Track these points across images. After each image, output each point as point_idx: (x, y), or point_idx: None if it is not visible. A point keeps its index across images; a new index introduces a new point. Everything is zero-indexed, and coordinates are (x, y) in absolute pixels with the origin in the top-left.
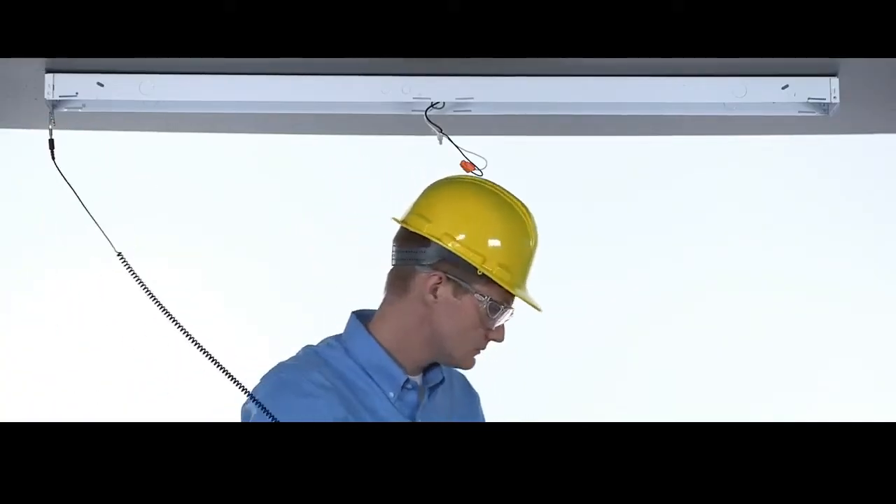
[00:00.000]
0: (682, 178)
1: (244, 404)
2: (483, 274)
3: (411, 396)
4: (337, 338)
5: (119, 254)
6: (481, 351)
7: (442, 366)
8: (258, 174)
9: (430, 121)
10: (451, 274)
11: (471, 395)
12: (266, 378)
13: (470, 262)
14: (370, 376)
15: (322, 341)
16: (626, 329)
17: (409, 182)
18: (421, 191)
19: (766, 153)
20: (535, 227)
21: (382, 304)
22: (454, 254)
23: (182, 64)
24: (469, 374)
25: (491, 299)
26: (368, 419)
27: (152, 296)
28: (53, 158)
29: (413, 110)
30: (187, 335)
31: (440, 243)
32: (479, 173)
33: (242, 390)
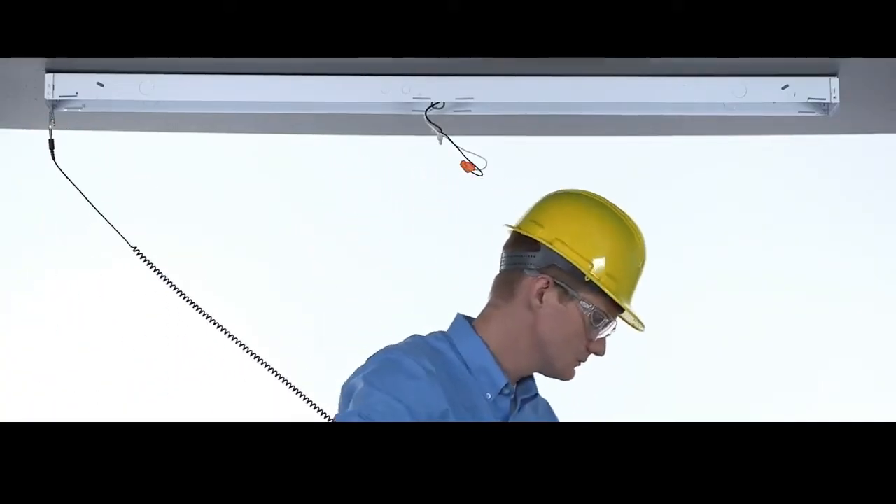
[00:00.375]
0: (682, 178)
1: (348, 380)
2: (590, 281)
3: (505, 403)
4: (443, 333)
5: (137, 250)
6: (581, 364)
7: (534, 383)
8: (258, 174)
9: (430, 121)
10: (558, 279)
11: (552, 420)
12: (374, 358)
13: (579, 267)
14: (471, 373)
15: (429, 334)
16: (625, 328)
17: (410, 182)
18: (535, 200)
19: (766, 153)
20: (644, 247)
21: (487, 307)
22: (564, 258)
23: (182, 64)
24: None
25: (596, 308)
26: (467, 415)
27: (185, 296)
28: (54, 158)
29: (413, 110)
30: (231, 336)
31: (551, 247)
32: (479, 173)
33: (287, 384)
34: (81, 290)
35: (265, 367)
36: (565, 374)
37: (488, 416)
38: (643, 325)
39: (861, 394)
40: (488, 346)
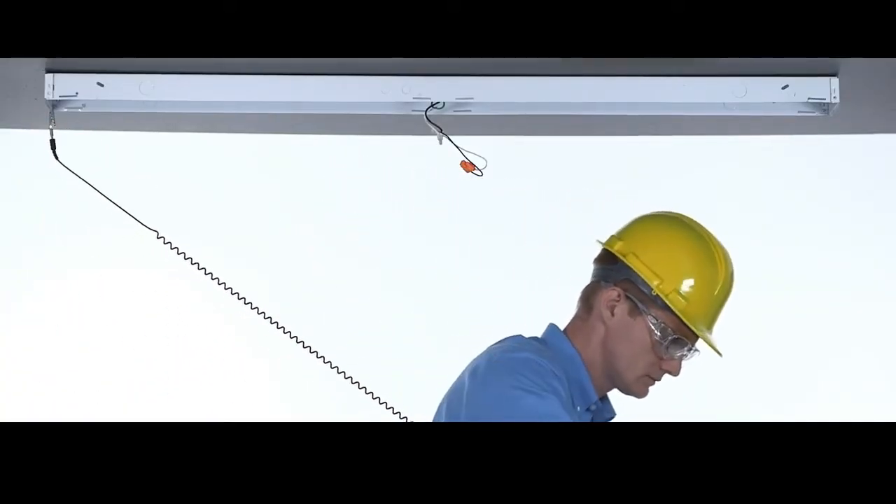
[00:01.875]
0: (682, 178)
1: (478, 359)
2: (659, 298)
3: (586, 418)
4: (539, 340)
5: (164, 237)
6: (656, 382)
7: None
8: (258, 174)
9: (430, 121)
10: (629, 292)
11: None
12: (508, 348)
13: (647, 280)
14: (567, 383)
15: (530, 338)
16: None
17: (410, 182)
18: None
19: (766, 153)
20: (728, 275)
21: (573, 319)
22: (634, 271)
23: (182, 64)
24: None
25: (663, 324)
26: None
27: (219, 280)
28: (57, 158)
29: (413, 110)
30: (286, 332)
31: (623, 259)
32: (479, 173)
33: (346, 376)
34: (82, 290)
35: (324, 361)
36: (636, 390)
37: None
38: (721, 354)
39: (861, 394)
40: (582, 358)
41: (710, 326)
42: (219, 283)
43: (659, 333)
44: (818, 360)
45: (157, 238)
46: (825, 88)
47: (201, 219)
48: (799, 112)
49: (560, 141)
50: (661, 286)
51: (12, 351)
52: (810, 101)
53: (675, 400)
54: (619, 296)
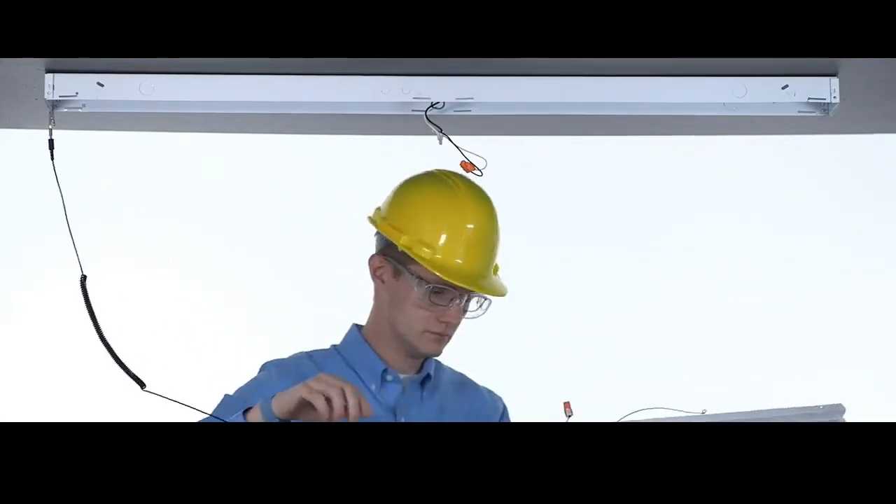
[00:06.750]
0: (682, 178)
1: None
2: (405, 252)
3: (392, 388)
4: (335, 346)
5: (84, 279)
6: (445, 336)
7: (430, 364)
8: (258, 174)
9: (430, 121)
10: (389, 255)
11: (469, 398)
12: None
13: (391, 238)
14: (355, 371)
15: (317, 350)
16: (624, 328)
17: None
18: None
19: (766, 153)
20: (477, 210)
21: None
22: (382, 234)
23: (182, 64)
24: (470, 374)
25: (419, 277)
26: None
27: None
28: (52, 159)
29: (413, 110)
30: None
31: (374, 225)
32: (479, 173)
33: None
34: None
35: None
36: (424, 347)
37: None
38: (497, 293)
39: (861, 394)
40: (366, 339)
41: (478, 270)
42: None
43: (416, 287)
44: (818, 360)
45: (82, 281)
46: (825, 88)
47: (202, 219)
48: (799, 112)
49: (560, 141)
50: (405, 241)
51: (12, 351)
52: (810, 101)
53: (674, 399)
54: (381, 262)
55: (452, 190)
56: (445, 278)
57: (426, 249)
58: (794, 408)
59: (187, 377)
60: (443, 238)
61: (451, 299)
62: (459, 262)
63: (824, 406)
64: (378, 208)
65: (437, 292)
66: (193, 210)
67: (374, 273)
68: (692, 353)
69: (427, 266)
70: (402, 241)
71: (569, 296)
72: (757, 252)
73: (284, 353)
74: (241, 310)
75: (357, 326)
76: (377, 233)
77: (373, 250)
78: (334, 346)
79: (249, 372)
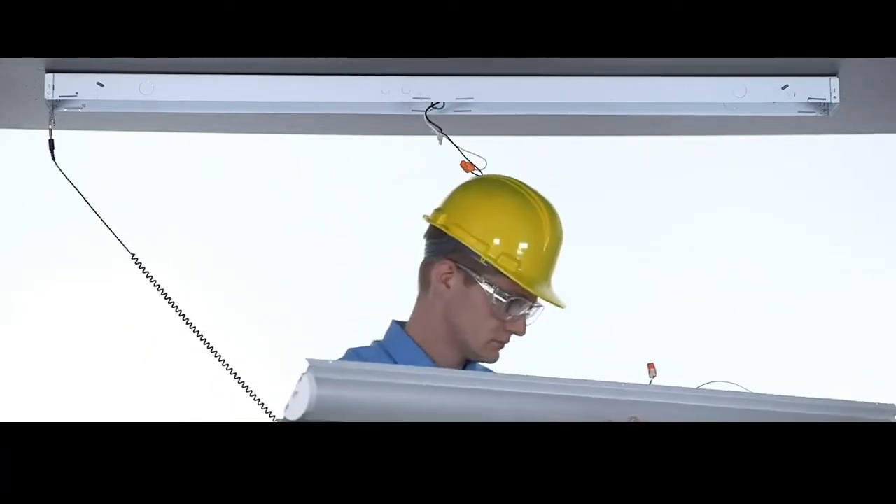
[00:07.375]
0: (682, 179)
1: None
2: (489, 263)
3: None
4: (378, 342)
5: (133, 256)
6: (505, 344)
7: (473, 366)
8: (258, 174)
9: (430, 121)
10: (461, 263)
11: None
12: None
13: (472, 248)
14: None
15: (363, 347)
16: (624, 328)
17: (410, 182)
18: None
19: (766, 153)
20: (553, 225)
21: (415, 302)
22: (460, 241)
23: (182, 64)
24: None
25: (499, 289)
26: None
27: (169, 299)
28: (54, 158)
29: (413, 110)
30: (203, 340)
31: (448, 232)
32: (479, 173)
33: (252, 395)
34: (81, 289)
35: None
36: (485, 356)
37: None
38: (563, 305)
39: (861, 393)
40: (417, 343)
41: (546, 281)
42: (170, 303)
43: (496, 298)
44: (818, 360)
45: (132, 259)
46: (825, 88)
47: (201, 219)
48: (799, 112)
49: (560, 141)
50: (488, 252)
51: (12, 351)
52: (810, 101)
53: None
54: (450, 268)
55: (530, 203)
56: (532, 292)
57: (513, 262)
58: (844, 401)
59: (187, 377)
60: (522, 250)
61: (524, 311)
62: (538, 275)
63: (877, 404)
64: (439, 211)
65: (514, 303)
66: (193, 210)
67: (439, 278)
68: (692, 353)
69: (514, 279)
70: (488, 253)
71: (568, 296)
72: (757, 252)
73: (284, 353)
74: (242, 310)
75: (398, 324)
76: (433, 235)
77: (374, 250)
78: (376, 341)
79: (250, 372)
